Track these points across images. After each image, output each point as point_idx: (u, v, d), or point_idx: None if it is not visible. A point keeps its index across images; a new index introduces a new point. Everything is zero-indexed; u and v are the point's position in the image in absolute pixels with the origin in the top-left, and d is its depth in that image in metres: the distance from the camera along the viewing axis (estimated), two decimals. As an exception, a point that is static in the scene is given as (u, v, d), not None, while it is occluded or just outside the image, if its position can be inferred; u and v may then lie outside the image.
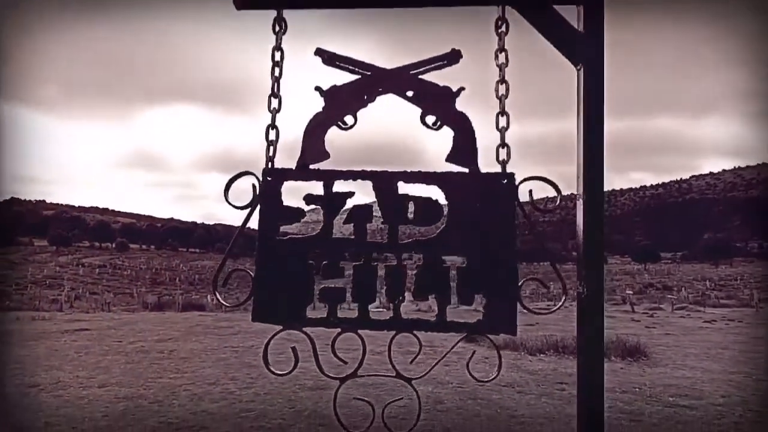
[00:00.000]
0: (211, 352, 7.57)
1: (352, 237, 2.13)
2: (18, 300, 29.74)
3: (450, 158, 2.10)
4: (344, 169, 2.11)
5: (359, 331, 2.24)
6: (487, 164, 2.00)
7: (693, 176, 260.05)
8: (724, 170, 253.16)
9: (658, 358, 7.90)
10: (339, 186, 2.12)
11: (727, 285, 40.32)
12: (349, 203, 2.12)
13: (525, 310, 2.16)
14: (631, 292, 23.71)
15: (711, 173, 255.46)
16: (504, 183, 1.97)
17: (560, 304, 2.05)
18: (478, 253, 2.02)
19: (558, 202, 2.04)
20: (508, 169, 1.97)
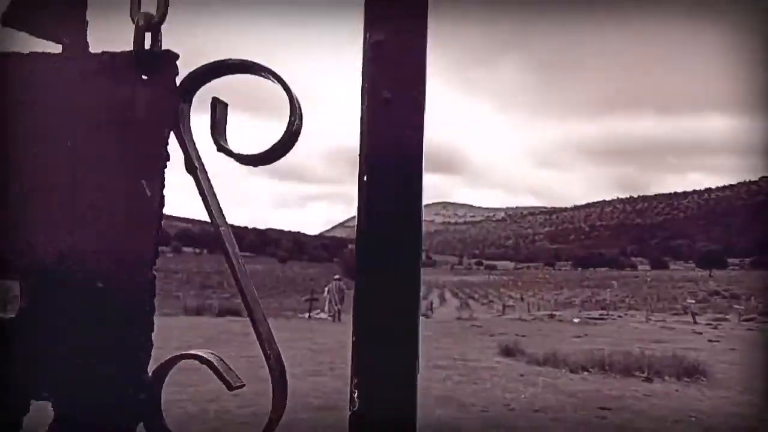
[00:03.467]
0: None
1: None
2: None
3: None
4: None
5: None
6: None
7: (763, 177, 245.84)
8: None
9: (720, 378, 6.96)
10: None
11: (803, 293, 37.27)
12: None
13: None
14: (693, 301, 22.10)
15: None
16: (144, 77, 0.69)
17: None
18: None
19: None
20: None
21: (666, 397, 5.67)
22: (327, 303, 18.41)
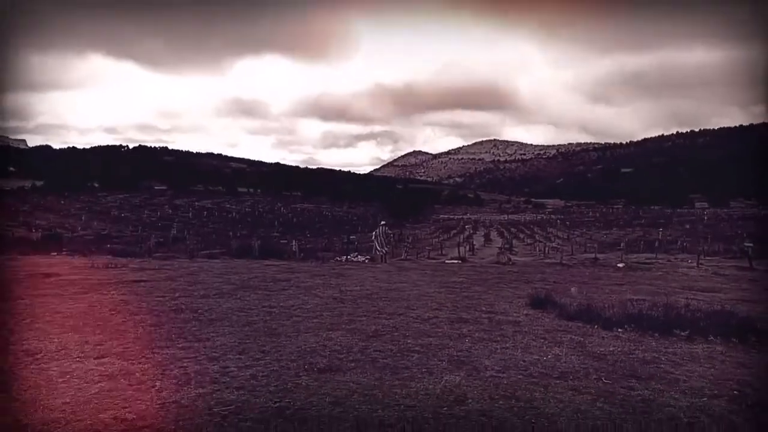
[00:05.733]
0: (245, 312, 7.09)
1: None
2: (128, 242, 32.11)
3: None
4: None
5: None
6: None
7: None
8: None
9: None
10: None
11: None
12: None
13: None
14: (750, 244, 20.78)
15: None
16: None
17: None
18: None
19: None
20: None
21: (707, 363, 5.14)
22: (374, 247, 19.80)
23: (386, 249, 18.94)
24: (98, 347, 5.25)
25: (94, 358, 4.86)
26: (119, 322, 6.35)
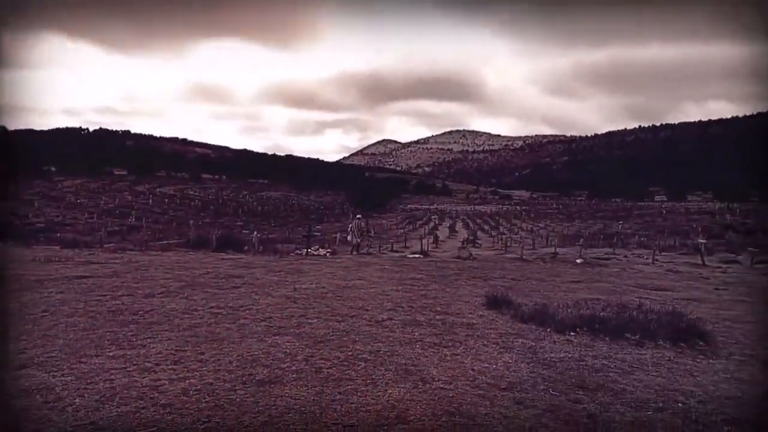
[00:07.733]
0: (189, 314, 6.77)
1: None
2: (81, 230, 30.95)
3: None
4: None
5: None
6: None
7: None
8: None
9: (721, 342, 6.35)
10: None
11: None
12: None
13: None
14: (704, 240, 21.30)
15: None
16: None
17: None
18: None
19: None
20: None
21: (654, 371, 5.10)
22: (349, 237, 21.00)
23: (358, 240, 19.97)
24: (20, 355, 4.88)
25: (14, 370, 4.50)
26: (50, 325, 5.96)
